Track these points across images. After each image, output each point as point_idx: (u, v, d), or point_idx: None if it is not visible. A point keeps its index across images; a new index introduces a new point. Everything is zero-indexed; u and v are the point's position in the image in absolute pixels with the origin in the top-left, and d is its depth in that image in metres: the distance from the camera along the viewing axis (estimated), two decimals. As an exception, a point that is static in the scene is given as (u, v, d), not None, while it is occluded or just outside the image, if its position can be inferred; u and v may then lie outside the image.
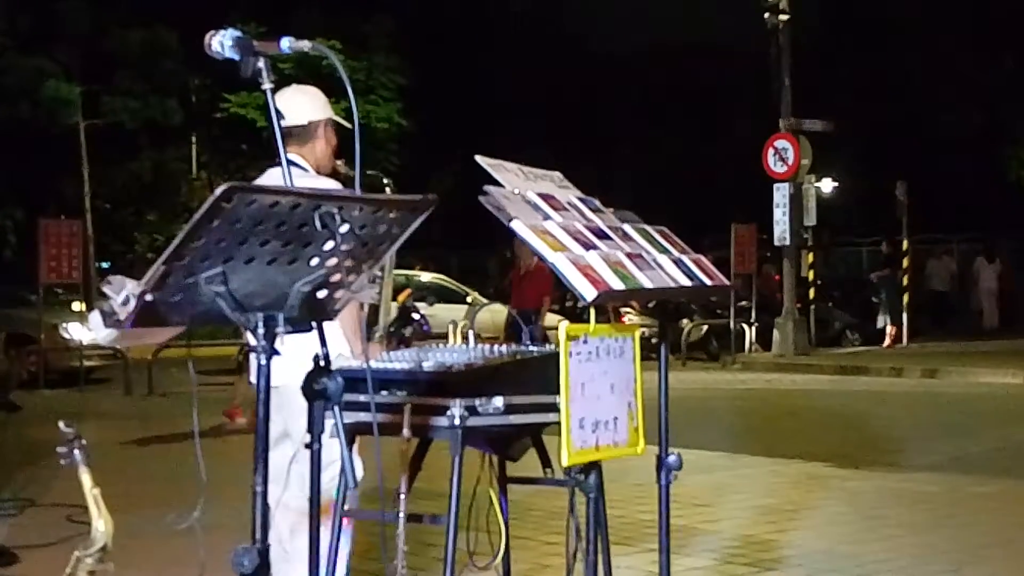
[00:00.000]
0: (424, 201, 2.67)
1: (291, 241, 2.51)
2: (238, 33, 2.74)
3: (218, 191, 2.30)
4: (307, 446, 2.87)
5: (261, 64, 2.73)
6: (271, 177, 4.70)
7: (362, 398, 3.15)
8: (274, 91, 2.83)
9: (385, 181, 4.94)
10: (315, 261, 2.58)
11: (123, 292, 2.38)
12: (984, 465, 9.55)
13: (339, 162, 4.87)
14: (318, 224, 2.50)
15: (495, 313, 14.54)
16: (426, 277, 22.49)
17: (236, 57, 2.73)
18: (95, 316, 2.44)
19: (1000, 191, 30.54)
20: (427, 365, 3.51)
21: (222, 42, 2.73)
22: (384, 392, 3.45)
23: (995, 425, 12.35)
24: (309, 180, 4.62)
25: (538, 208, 3.57)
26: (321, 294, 2.68)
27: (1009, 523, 7.22)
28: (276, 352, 2.63)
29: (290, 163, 4.77)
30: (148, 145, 31.91)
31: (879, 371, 18.94)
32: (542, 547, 6.05)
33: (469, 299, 20.78)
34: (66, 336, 17.45)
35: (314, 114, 4.81)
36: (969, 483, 8.61)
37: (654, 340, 4.77)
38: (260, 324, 2.54)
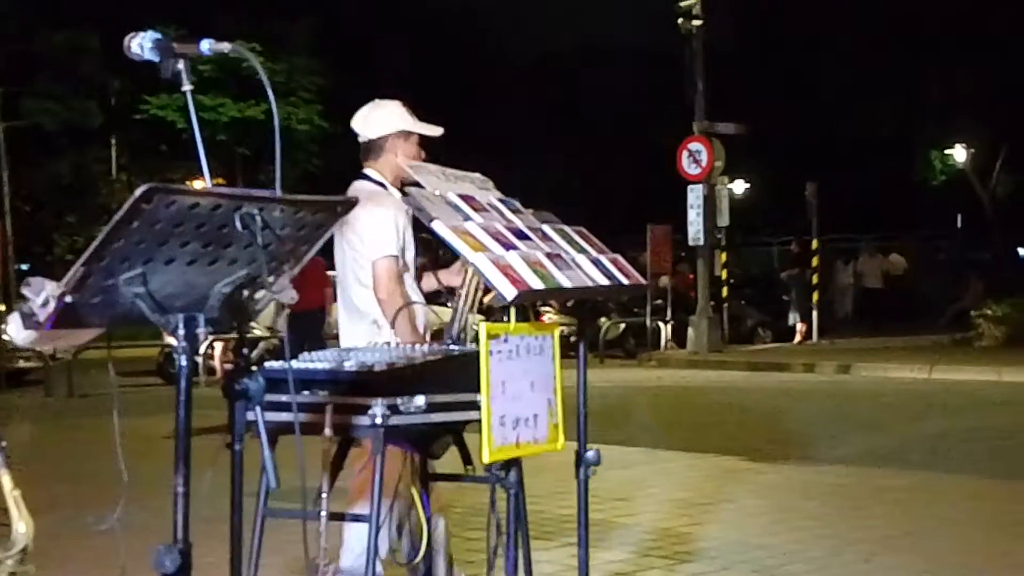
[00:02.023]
0: (344, 202, 2.66)
1: (211, 242, 2.48)
2: (158, 35, 2.70)
3: (138, 192, 2.27)
4: (228, 446, 2.84)
5: (181, 66, 2.70)
6: (354, 190, 4.76)
7: (284, 398, 3.12)
8: (194, 92, 2.79)
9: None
10: (236, 262, 2.56)
11: (43, 294, 2.34)
12: (893, 458, 9.70)
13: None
14: (238, 225, 2.48)
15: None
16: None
17: (156, 59, 2.69)
18: (14, 318, 2.40)
19: (907, 192, 31.07)
20: (349, 365, 3.49)
21: (142, 44, 2.69)
22: (306, 392, 3.43)
23: (904, 419, 12.56)
24: (377, 194, 4.72)
25: (459, 209, 3.57)
26: (242, 295, 2.65)
27: (918, 514, 7.33)
28: (197, 353, 2.60)
29: (364, 177, 4.85)
30: (68, 147, 31.44)
31: (791, 367, 19.17)
32: (464, 543, 6.02)
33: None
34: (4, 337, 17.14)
35: (383, 128, 4.87)
36: (879, 475, 8.74)
37: (573, 338, 4.77)
38: (180, 325, 2.51)
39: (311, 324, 12.25)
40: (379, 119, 4.87)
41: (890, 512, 7.38)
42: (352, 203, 2.66)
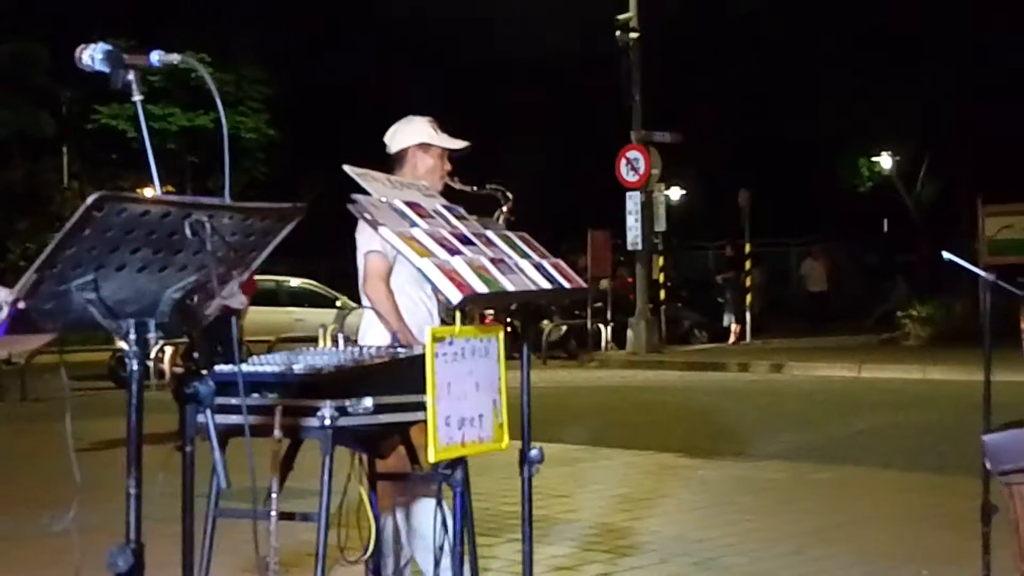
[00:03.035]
0: (292, 209, 2.64)
1: (161, 249, 2.46)
2: (108, 47, 2.68)
3: (89, 200, 2.25)
4: (178, 448, 2.81)
5: (131, 76, 2.67)
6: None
7: (234, 401, 3.09)
8: (144, 102, 2.76)
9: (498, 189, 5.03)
10: (185, 268, 2.53)
11: (-5, 300, 2.30)
12: (825, 453, 9.79)
13: (455, 179, 4.98)
14: (188, 232, 2.46)
15: (365, 317, 14.34)
16: (295, 282, 22.28)
17: (106, 70, 2.66)
18: (-33, 324, 2.36)
19: (836, 198, 31.36)
20: (297, 368, 3.47)
21: (92, 55, 2.66)
22: (255, 395, 3.41)
23: (834, 415, 12.68)
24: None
25: (405, 215, 3.57)
26: (192, 301, 2.63)
27: (848, 506, 7.40)
28: (148, 357, 2.57)
29: None
30: (20, 155, 31.04)
31: (727, 366, 19.30)
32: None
33: (338, 303, 20.62)
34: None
35: (404, 142, 4.95)
36: (811, 470, 8.81)
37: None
38: (131, 330, 2.48)
39: (224, 329, 12.18)
40: (402, 133, 4.97)
41: (821, 506, 7.45)
42: (300, 210, 2.64)
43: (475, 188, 5.03)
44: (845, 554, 6.04)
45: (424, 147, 4.92)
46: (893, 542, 6.33)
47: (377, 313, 4.72)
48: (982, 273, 3.47)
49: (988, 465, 3.40)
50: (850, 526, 6.80)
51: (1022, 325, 3.28)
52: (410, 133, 4.96)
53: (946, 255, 3.64)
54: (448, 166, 4.97)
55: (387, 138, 5.00)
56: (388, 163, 4.95)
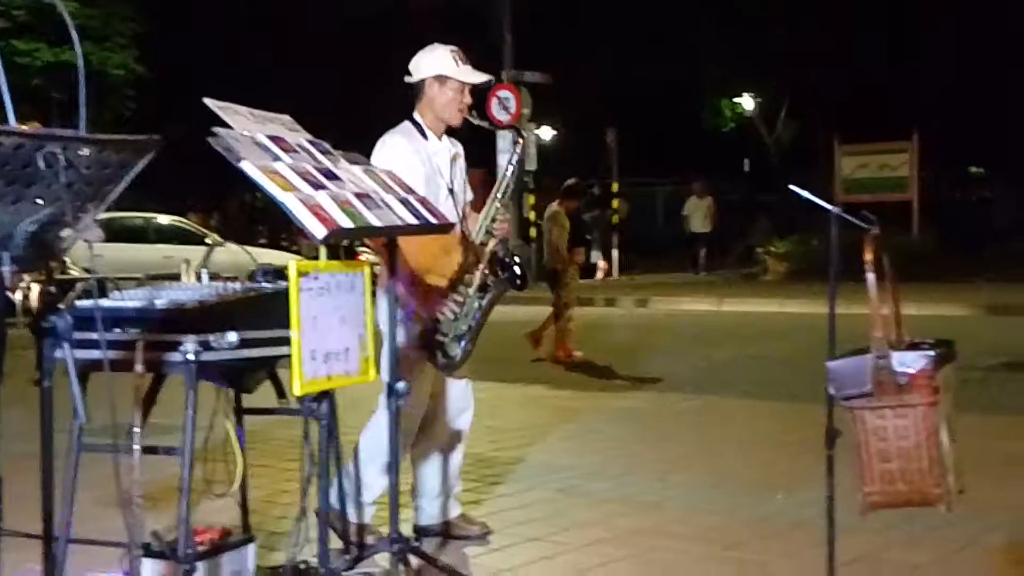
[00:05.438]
0: (148, 142, 2.56)
1: (15, 181, 2.38)
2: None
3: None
4: (35, 383, 2.73)
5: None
6: (388, 144, 4.70)
7: (94, 336, 3.01)
8: (7, 36, 2.64)
9: (513, 127, 4.95)
10: (40, 201, 2.45)
11: None
12: (687, 383, 9.97)
13: (472, 113, 4.82)
14: (42, 164, 2.37)
15: (234, 254, 14.14)
16: (165, 219, 21.83)
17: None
18: None
19: (700, 138, 31.75)
20: (160, 303, 3.39)
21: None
22: (117, 330, 3.33)
23: (696, 347, 12.91)
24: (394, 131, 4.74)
25: (268, 150, 3.49)
26: (47, 234, 2.54)
27: (709, 434, 7.56)
28: (5, 290, 2.49)
29: (413, 122, 4.79)
30: None
31: (594, 302, 19.48)
32: (281, 474, 5.98)
33: (208, 240, 20.27)
34: None
35: (422, 73, 4.76)
36: (674, 400, 8.98)
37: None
38: (-16, 263, 2.39)
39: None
40: (422, 63, 4.78)
41: (683, 434, 7.60)
42: (156, 143, 2.57)
43: (492, 125, 4.92)
44: (705, 479, 6.17)
45: (441, 79, 4.74)
46: (751, 468, 6.49)
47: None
48: (827, 206, 3.53)
49: (831, 391, 3.49)
50: (709, 453, 6.95)
51: (865, 257, 3.34)
52: (429, 64, 4.76)
53: (793, 188, 3.69)
54: (468, 99, 4.80)
55: (411, 66, 4.80)
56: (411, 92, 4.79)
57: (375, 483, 4.71)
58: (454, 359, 4.66)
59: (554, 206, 12.29)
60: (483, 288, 4.66)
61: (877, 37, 26.62)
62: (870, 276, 3.39)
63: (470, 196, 4.98)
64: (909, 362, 3.39)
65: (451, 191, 4.82)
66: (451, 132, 4.94)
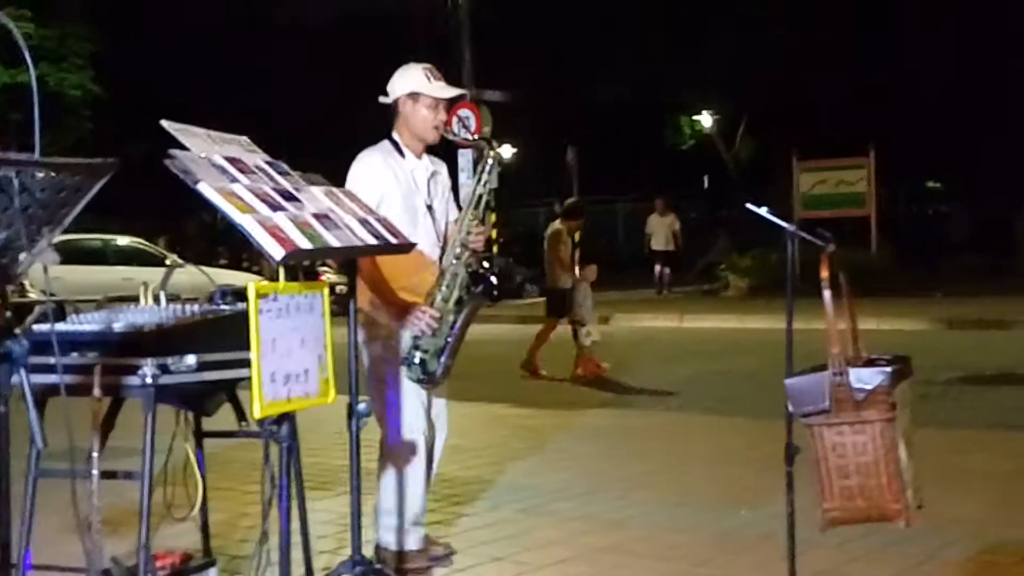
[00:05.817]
0: (104, 165, 2.55)
1: (-32, 205, 2.35)
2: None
3: None
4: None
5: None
6: (364, 162, 4.68)
7: (51, 360, 2.98)
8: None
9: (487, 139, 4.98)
10: (-6, 225, 2.43)
11: None
12: (649, 400, 9.99)
13: (447, 130, 4.81)
14: (-4, 188, 2.36)
15: (193, 275, 14.04)
16: (124, 241, 21.68)
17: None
18: None
19: (660, 155, 31.93)
20: (117, 326, 3.37)
21: None
22: (75, 354, 3.30)
23: (658, 364, 12.95)
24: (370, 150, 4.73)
25: (225, 171, 3.48)
26: (2, 258, 2.52)
27: (671, 451, 7.57)
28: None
29: (391, 140, 4.76)
30: None
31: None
32: (241, 496, 5.93)
33: (168, 262, 20.17)
34: None
35: (395, 91, 4.76)
36: (637, 417, 9.00)
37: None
38: (-61, 289, 2.37)
39: None
40: (396, 82, 4.78)
41: (646, 450, 7.61)
42: (112, 165, 2.55)
43: (466, 139, 4.95)
44: (669, 496, 6.18)
45: (414, 96, 4.72)
46: (713, 484, 6.50)
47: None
48: (783, 224, 3.56)
49: (790, 408, 3.51)
50: (673, 470, 6.96)
51: (821, 274, 3.37)
52: (402, 82, 4.76)
53: (749, 207, 3.72)
54: (443, 116, 4.77)
55: (388, 87, 4.81)
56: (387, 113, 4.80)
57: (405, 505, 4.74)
58: (434, 375, 4.65)
59: (556, 225, 12.38)
60: (459, 302, 4.64)
61: (835, 54, 26.87)
62: (826, 293, 3.41)
63: (454, 214, 4.92)
64: (866, 378, 3.41)
65: (430, 208, 4.79)
66: (432, 150, 4.93)
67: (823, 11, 25.81)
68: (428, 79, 4.73)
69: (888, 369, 3.45)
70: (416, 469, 4.75)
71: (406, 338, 4.64)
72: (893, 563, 4.74)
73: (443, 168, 4.97)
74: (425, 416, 4.80)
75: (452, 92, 4.78)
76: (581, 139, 25.90)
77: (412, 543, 4.80)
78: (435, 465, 5.03)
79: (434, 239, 4.76)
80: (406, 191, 4.71)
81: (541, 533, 5.47)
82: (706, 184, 31.96)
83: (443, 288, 4.65)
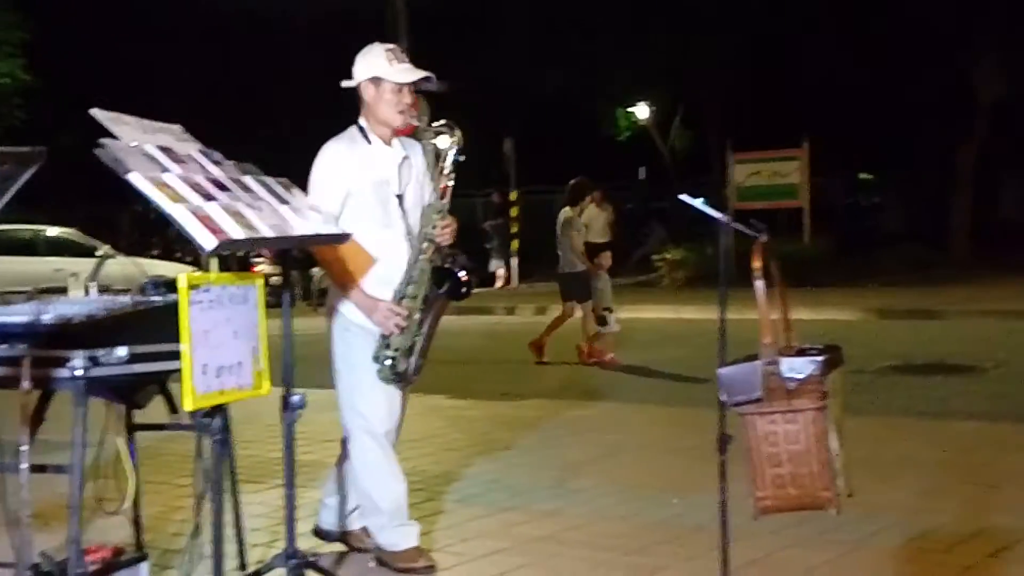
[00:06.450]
0: (31, 154, 2.51)
1: None
2: None
3: None
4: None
5: None
6: (328, 152, 4.51)
7: (-23, 353, 2.94)
8: None
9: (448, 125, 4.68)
10: (-82, 215, 2.39)
11: None
12: (584, 390, 10.03)
13: (414, 115, 4.60)
14: (-81, 177, 2.31)
15: (125, 266, 13.84)
16: (54, 231, 21.36)
17: None
18: None
19: (597, 146, 32.00)
20: (46, 318, 3.32)
21: None
22: (3, 346, 3.25)
23: (593, 355, 12.96)
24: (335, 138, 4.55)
25: (156, 160, 3.44)
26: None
27: (606, 441, 7.60)
28: None
29: (359, 127, 4.57)
30: None
31: (494, 310, 19.54)
32: (174, 490, 5.88)
33: (99, 252, 19.90)
34: None
35: (358, 76, 4.54)
36: (570, 407, 9.02)
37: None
38: None
39: None
40: (358, 66, 4.56)
41: (580, 441, 7.63)
42: (40, 155, 2.52)
43: (427, 125, 4.71)
44: (603, 485, 6.20)
45: (376, 81, 4.51)
46: (647, 473, 6.54)
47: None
48: (716, 215, 3.59)
49: (723, 397, 3.54)
50: (607, 459, 6.99)
51: (753, 265, 3.40)
52: (363, 66, 4.54)
53: (682, 198, 3.75)
54: (408, 99, 4.55)
55: (353, 70, 4.59)
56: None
57: (385, 497, 4.67)
58: (405, 374, 4.55)
59: (567, 211, 12.39)
60: (426, 300, 4.52)
61: (769, 47, 27.08)
62: (759, 283, 3.45)
63: (429, 199, 4.68)
64: (798, 368, 3.46)
65: (400, 197, 4.59)
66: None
67: (757, 5, 26.01)
68: (390, 62, 4.52)
69: (819, 359, 3.49)
70: (384, 464, 4.64)
71: (375, 336, 4.52)
72: (825, 550, 4.79)
73: (415, 151, 4.75)
74: (390, 412, 4.68)
75: (415, 75, 4.56)
76: (518, 130, 25.90)
77: (405, 540, 4.67)
78: None
79: (405, 229, 4.58)
80: (375, 180, 4.53)
81: (477, 524, 5.48)
82: (642, 175, 32.07)
83: (410, 285, 4.52)
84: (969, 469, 6.32)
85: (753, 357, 3.50)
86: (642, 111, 31.10)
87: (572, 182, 12.87)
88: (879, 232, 29.52)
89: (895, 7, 23.78)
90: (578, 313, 12.35)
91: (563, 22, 27.93)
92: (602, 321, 12.16)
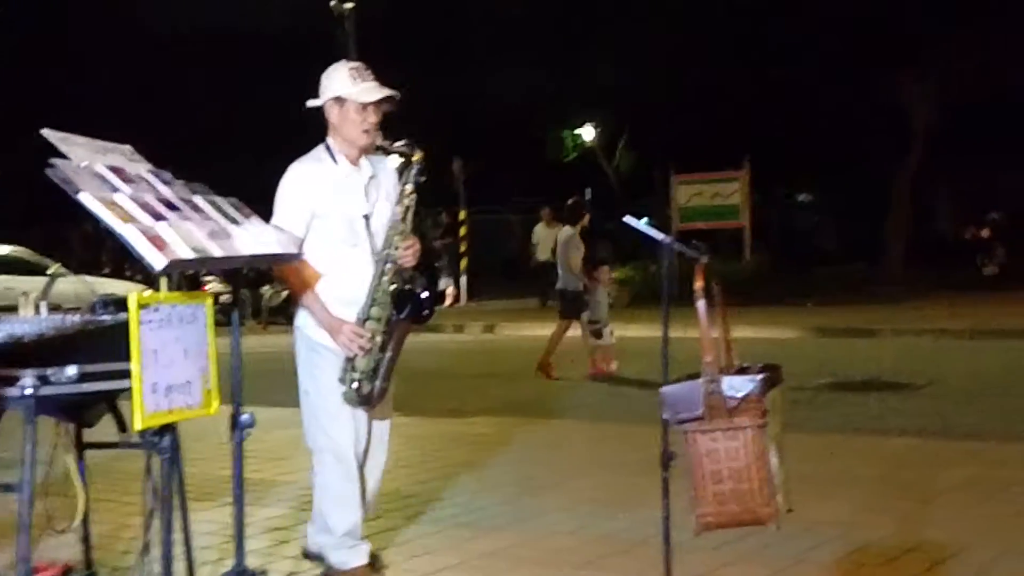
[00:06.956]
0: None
1: None
2: None
3: None
4: None
5: None
6: (293, 172, 4.44)
7: (-74, 372, 2.90)
8: None
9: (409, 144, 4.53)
10: None
11: None
12: (532, 407, 10.03)
13: (382, 138, 4.48)
14: None
15: (76, 285, 13.67)
16: (5, 250, 21.08)
17: None
18: None
19: (544, 167, 32.11)
20: (-4, 337, 3.28)
21: None
22: (-49, 365, 3.21)
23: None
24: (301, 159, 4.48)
25: (106, 180, 3.41)
26: None
27: (553, 457, 7.61)
28: None
29: (326, 146, 4.49)
30: None
31: (443, 328, 19.49)
32: (123, 508, 5.80)
33: (50, 271, 19.67)
34: None
35: (322, 96, 4.44)
36: (520, 424, 9.02)
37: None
38: None
39: None
40: (322, 85, 4.47)
41: (531, 457, 7.63)
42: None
43: (388, 143, 4.59)
44: (555, 501, 6.20)
45: (340, 101, 4.41)
46: (594, 488, 6.55)
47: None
48: (659, 236, 3.62)
49: (665, 415, 3.56)
50: (555, 475, 6.99)
51: (695, 285, 3.43)
52: (327, 85, 4.45)
53: (626, 220, 3.77)
54: (374, 118, 4.43)
55: (319, 89, 4.51)
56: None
57: (340, 521, 4.58)
58: (369, 397, 4.47)
59: (568, 230, 12.44)
60: (389, 322, 4.44)
61: (711, 71, 27.32)
62: (700, 303, 3.48)
63: (398, 217, 4.52)
64: (738, 386, 3.48)
65: (367, 218, 4.50)
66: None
67: (700, 30, 26.24)
68: (354, 80, 4.43)
69: (759, 377, 3.52)
70: (344, 490, 4.54)
71: (342, 357, 4.45)
72: (766, 565, 4.82)
73: (383, 170, 4.65)
74: (357, 435, 4.57)
75: (380, 94, 4.44)
76: (468, 150, 25.93)
77: (355, 559, 4.60)
78: (373, 486, 4.76)
79: (371, 249, 4.48)
80: (341, 200, 4.44)
81: (427, 540, 5.46)
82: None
83: (374, 307, 4.44)
84: (904, 485, 6.39)
85: (695, 375, 3.52)
86: (588, 133, 31.26)
87: (569, 202, 13.04)
88: (817, 252, 29.84)
89: (832, 35, 24.08)
90: (577, 330, 12.53)
91: (512, 43, 28.03)
92: (598, 334, 12.27)
